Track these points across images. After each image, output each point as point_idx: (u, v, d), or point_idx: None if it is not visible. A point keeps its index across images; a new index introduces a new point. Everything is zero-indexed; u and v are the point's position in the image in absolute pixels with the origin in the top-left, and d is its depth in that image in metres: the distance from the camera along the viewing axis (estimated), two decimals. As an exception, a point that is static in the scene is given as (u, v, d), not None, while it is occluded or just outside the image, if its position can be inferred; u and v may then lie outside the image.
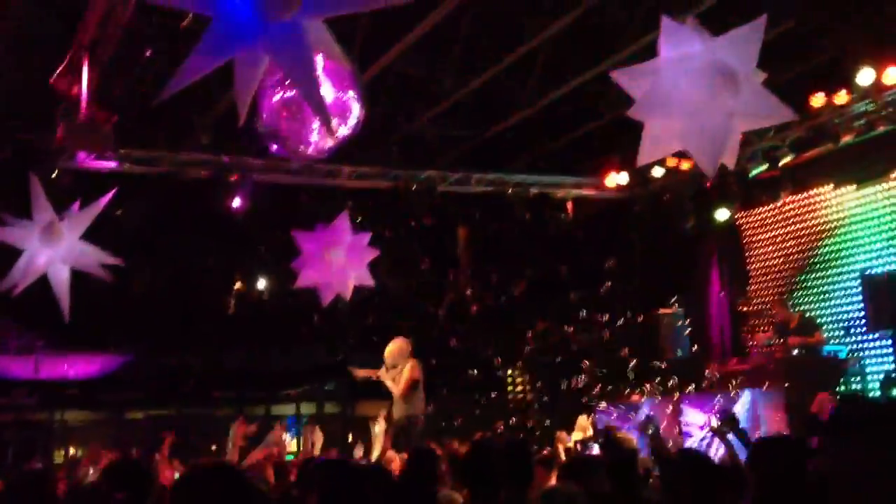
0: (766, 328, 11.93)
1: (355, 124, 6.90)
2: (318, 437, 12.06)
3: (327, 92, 6.25)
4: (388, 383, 9.65)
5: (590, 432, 10.24)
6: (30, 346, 14.29)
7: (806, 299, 11.94)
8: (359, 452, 10.91)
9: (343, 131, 6.94)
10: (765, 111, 6.27)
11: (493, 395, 14.49)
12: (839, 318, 11.59)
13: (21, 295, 9.14)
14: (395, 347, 9.72)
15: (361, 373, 10.37)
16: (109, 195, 9.09)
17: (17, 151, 10.24)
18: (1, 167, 10.36)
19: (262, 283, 13.65)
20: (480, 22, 9.60)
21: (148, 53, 7.86)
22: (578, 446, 9.38)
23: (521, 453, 4.70)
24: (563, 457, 7.81)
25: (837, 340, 11.26)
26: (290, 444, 11.86)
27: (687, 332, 12.40)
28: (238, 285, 14.01)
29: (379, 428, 9.38)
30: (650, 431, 6.97)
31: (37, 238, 8.83)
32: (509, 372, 14.87)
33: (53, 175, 9.83)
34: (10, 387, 14.55)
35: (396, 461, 7.53)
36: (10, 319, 14.10)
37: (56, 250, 8.98)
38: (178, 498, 2.76)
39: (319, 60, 5.78)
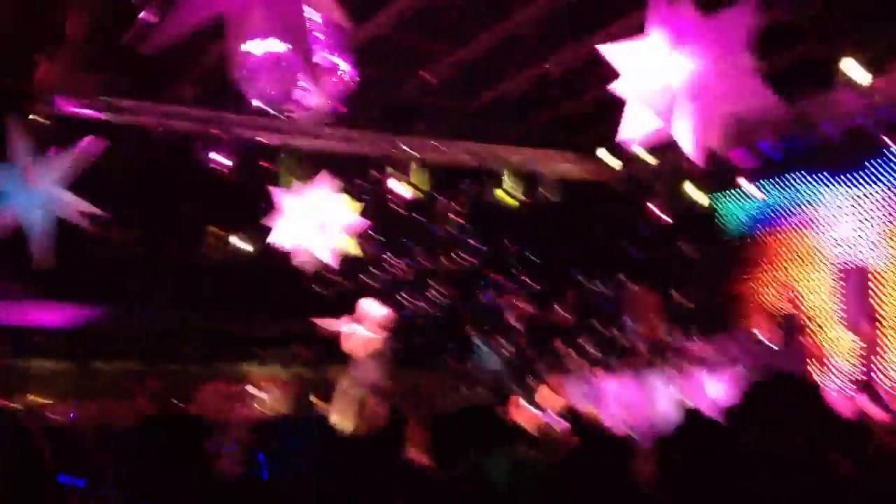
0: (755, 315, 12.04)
1: (343, 85, 6.88)
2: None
3: (317, 52, 6.24)
4: (354, 351, 9.52)
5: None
6: (1, 291, 14.17)
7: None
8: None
9: (331, 92, 6.92)
10: (750, 96, 6.31)
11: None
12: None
13: (-5, 240, 9.08)
14: (366, 312, 9.65)
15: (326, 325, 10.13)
16: (87, 141, 9.02)
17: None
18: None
19: (237, 241, 13.58)
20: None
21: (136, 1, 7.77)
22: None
23: (485, 419, 4.73)
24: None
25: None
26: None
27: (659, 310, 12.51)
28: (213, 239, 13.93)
29: (344, 390, 9.34)
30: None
31: (14, 181, 8.77)
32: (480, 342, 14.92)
33: (30, 118, 9.73)
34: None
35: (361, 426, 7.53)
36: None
37: (33, 195, 8.92)
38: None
39: (312, 17, 5.75)
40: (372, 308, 9.58)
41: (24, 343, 14.92)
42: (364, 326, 9.52)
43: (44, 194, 9.00)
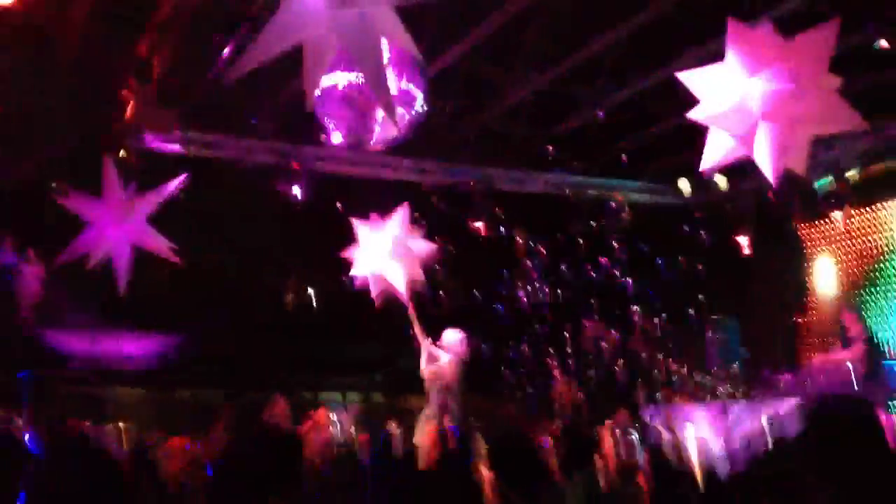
0: (828, 342, 11.70)
1: (418, 116, 6.93)
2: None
3: (393, 82, 6.29)
4: (429, 382, 9.47)
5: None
6: (87, 323, 14.57)
7: (868, 316, 11.70)
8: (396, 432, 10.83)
9: (406, 123, 6.97)
10: (834, 118, 6.15)
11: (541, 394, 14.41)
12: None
13: (79, 270, 9.34)
14: (445, 339, 9.61)
15: (417, 326, 10.04)
16: (181, 179, 9.27)
17: (89, 131, 10.46)
18: (72, 146, 10.60)
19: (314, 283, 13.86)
20: (548, 21, 9.57)
21: (217, 38, 7.97)
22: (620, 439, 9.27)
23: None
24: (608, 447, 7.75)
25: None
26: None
27: (739, 342, 12.26)
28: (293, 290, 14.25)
29: (425, 415, 9.31)
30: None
31: (107, 215, 9.03)
32: (559, 376, 14.79)
33: (121, 154, 10.03)
34: (66, 361, 14.84)
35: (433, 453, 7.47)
36: (68, 294, 14.39)
37: (124, 229, 9.17)
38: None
39: (386, 50, 5.81)
40: (454, 337, 9.56)
41: (109, 372, 15.29)
42: (447, 354, 9.51)
43: (133, 229, 9.25)
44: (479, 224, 12.45)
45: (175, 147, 10.86)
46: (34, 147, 10.48)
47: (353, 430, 11.88)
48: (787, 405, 9.71)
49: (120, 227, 9.18)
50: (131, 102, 8.71)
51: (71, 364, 14.66)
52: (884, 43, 7.53)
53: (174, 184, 9.22)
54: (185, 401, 15.89)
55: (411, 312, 9.99)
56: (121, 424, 14.47)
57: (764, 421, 9.54)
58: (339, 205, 11.58)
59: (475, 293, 14.25)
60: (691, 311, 13.04)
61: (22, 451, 5.56)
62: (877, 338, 10.80)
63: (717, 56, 6.30)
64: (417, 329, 9.91)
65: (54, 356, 14.42)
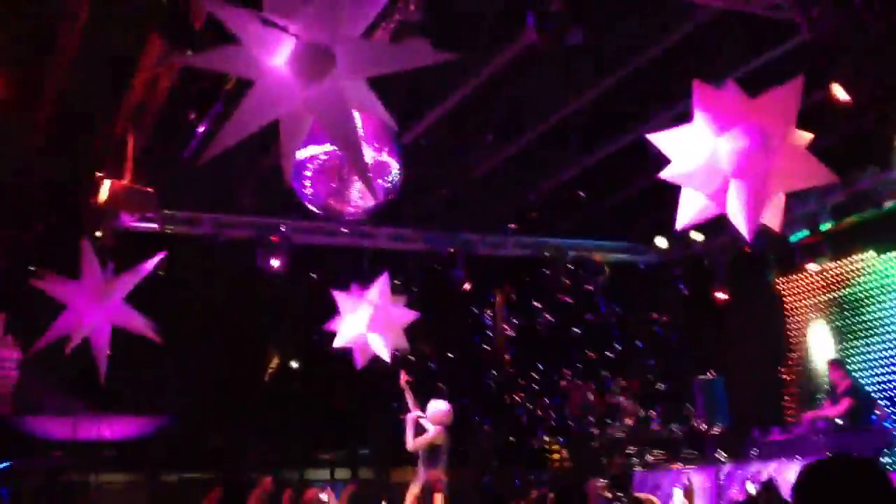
0: (815, 397, 11.70)
1: (394, 185, 6.98)
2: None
3: (367, 153, 6.34)
4: (419, 449, 9.37)
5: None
6: (67, 408, 14.38)
7: (850, 368, 11.71)
8: None
9: (383, 192, 7.02)
10: (804, 173, 6.25)
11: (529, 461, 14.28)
12: (884, 388, 11.37)
13: (58, 355, 9.23)
14: (431, 409, 9.55)
15: (410, 396, 9.92)
16: (158, 258, 9.23)
17: (64, 214, 10.45)
18: (48, 229, 10.58)
19: (295, 355, 13.81)
20: (518, 87, 9.72)
21: (192, 116, 8.03)
22: None
23: None
24: None
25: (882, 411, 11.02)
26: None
27: (726, 399, 12.20)
28: (274, 362, 14.19)
29: (413, 489, 9.24)
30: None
31: (85, 297, 8.96)
32: (546, 439, 14.68)
33: (98, 235, 10.01)
34: (48, 447, 14.60)
35: None
36: (48, 380, 14.23)
37: (102, 310, 9.09)
38: None
39: (360, 121, 5.87)
40: (439, 407, 9.50)
41: (93, 457, 15.04)
42: (432, 423, 9.42)
43: (112, 310, 9.17)
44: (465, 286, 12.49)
45: (153, 226, 10.87)
46: (10, 231, 10.45)
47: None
48: (779, 466, 9.65)
49: (98, 309, 9.10)
50: (107, 184, 8.71)
51: (52, 451, 14.42)
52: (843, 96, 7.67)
53: (151, 263, 9.19)
54: (172, 484, 15.63)
55: (403, 382, 9.92)
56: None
57: (751, 486, 9.48)
58: (315, 276, 11.59)
59: (453, 356, 14.20)
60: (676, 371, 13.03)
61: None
62: (863, 391, 10.79)
63: (686, 117, 6.42)
64: (410, 399, 9.84)
65: (34, 444, 14.19)
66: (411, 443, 9.40)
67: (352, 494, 9.86)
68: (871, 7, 5.85)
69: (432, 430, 9.32)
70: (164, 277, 10.57)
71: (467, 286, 12.40)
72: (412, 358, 11.77)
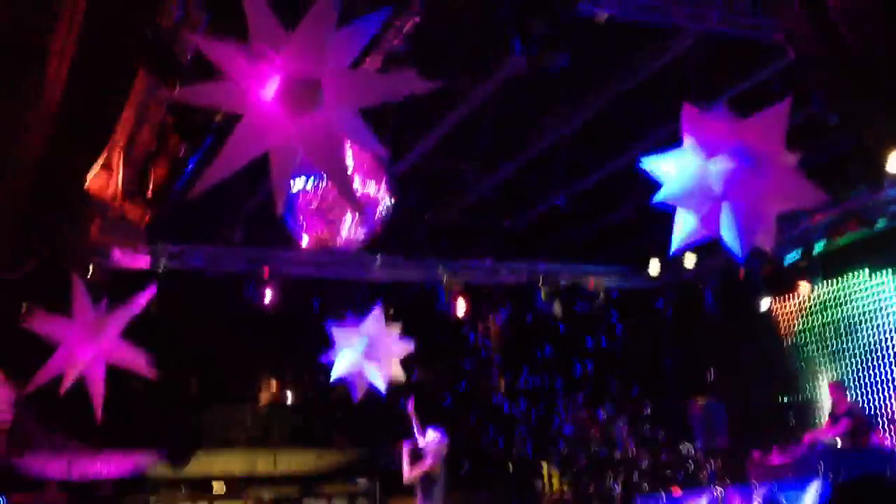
0: (815, 419, 11.66)
1: (385, 215, 6.96)
2: None
3: (357, 183, 6.34)
4: (415, 481, 9.31)
5: None
6: (62, 446, 14.26)
7: (848, 388, 11.68)
8: None
9: (374, 222, 7.00)
10: (795, 194, 6.24)
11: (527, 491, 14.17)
12: (882, 409, 11.34)
13: (51, 394, 9.14)
14: (427, 439, 9.49)
15: (417, 425, 9.84)
16: (150, 292, 9.16)
17: (55, 250, 10.39)
18: (39, 265, 10.51)
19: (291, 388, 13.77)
20: (505, 113, 9.75)
21: (181, 150, 8.02)
22: None
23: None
24: None
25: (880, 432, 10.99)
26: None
27: (724, 422, 12.14)
28: (271, 389, 14.13)
29: None
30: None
31: (78, 335, 8.88)
32: (544, 466, 14.58)
33: (89, 272, 9.95)
34: (43, 486, 14.47)
35: None
36: (42, 419, 14.12)
37: (97, 347, 9.01)
38: None
39: (350, 152, 5.87)
40: (436, 436, 9.43)
41: (88, 495, 14.90)
42: (430, 454, 9.35)
43: (106, 346, 9.09)
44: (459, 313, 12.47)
45: (144, 261, 10.82)
46: None
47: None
48: (780, 488, 9.59)
49: (92, 346, 9.02)
50: (96, 220, 8.67)
51: (48, 489, 14.28)
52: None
53: (144, 297, 9.12)
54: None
55: (411, 410, 9.83)
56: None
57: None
58: (309, 308, 11.56)
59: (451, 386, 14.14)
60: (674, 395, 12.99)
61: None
62: (862, 413, 10.75)
63: (676, 140, 6.42)
64: (416, 427, 9.76)
65: (29, 483, 14.05)
66: (407, 474, 9.32)
67: None
68: (847, 19, 5.86)
69: (428, 460, 9.25)
70: (157, 313, 10.52)
71: (461, 313, 12.38)
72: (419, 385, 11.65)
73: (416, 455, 9.36)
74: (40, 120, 6.84)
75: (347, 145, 5.73)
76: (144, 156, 8.25)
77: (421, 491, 9.19)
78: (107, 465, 14.89)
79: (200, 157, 7.80)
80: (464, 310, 12.48)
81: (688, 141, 6.17)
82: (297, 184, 6.74)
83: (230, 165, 5.26)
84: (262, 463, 15.38)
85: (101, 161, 8.10)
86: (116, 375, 9.28)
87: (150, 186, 8.48)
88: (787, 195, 6.33)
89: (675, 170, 6.27)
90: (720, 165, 6.04)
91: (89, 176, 8.46)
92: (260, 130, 5.22)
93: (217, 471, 15.17)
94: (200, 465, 15.15)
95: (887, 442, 10.57)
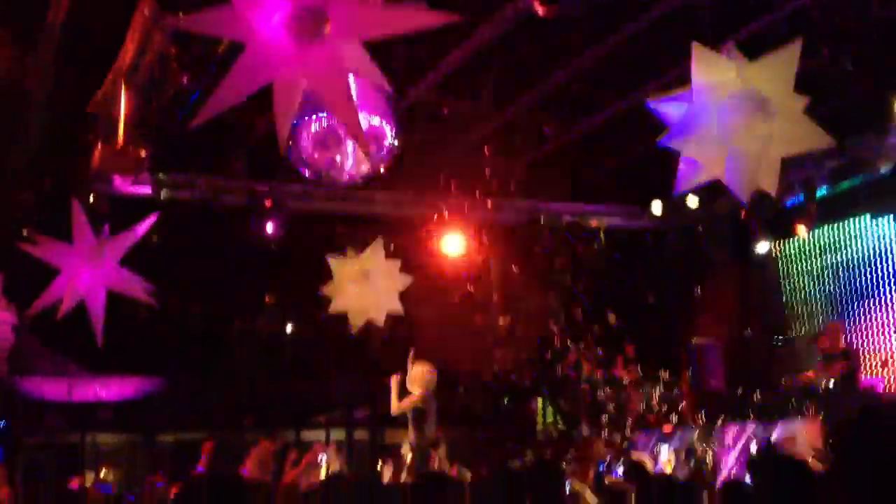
0: (810, 360, 11.74)
1: (389, 150, 6.93)
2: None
3: (362, 118, 6.28)
4: (406, 411, 9.36)
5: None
6: (63, 369, 14.41)
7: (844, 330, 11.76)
8: (387, 474, 10.79)
9: (378, 157, 6.97)
10: (801, 137, 6.21)
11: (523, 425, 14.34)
12: (878, 351, 11.44)
13: (53, 318, 9.21)
14: (416, 372, 9.47)
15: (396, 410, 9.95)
16: (151, 220, 9.17)
17: (57, 177, 10.39)
18: (41, 192, 10.52)
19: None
20: (514, 52, 9.63)
21: (185, 79, 7.95)
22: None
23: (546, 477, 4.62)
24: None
25: (876, 373, 11.11)
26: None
27: (721, 363, 12.24)
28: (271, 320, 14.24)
29: (406, 452, 9.24)
30: (691, 464, 6.85)
31: (78, 260, 8.92)
32: (539, 402, 14.73)
33: (90, 199, 9.95)
34: (43, 409, 14.66)
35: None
36: (43, 342, 14.25)
37: (96, 273, 9.06)
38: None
39: (355, 86, 5.80)
40: (420, 369, 9.43)
41: (89, 418, 15.12)
42: (415, 386, 9.38)
43: (105, 272, 9.13)
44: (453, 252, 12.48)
45: (145, 189, 10.80)
46: (2, 195, 10.39)
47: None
48: (774, 427, 9.70)
49: (92, 272, 9.06)
50: (99, 147, 8.64)
51: (48, 413, 14.48)
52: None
53: (144, 225, 9.13)
54: (168, 445, 15.72)
55: (410, 359, 9.80)
56: (103, 472, 14.30)
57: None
58: (310, 241, 11.57)
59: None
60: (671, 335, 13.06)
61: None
62: (857, 355, 10.83)
63: (684, 81, 6.36)
64: (410, 363, 9.77)
65: (30, 405, 14.23)
66: (395, 406, 9.37)
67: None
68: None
69: (416, 394, 9.23)
70: (159, 241, 10.55)
71: (461, 250, 12.40)
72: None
73: (405, 387, 9.37)
74: (44, 49, 6.78)
75: (352, 79, 5.67)
76: (147, 85, 8.18)
77: (412, 422, 9.25)
78: (107, 389, 15.08)
79: (203, 87, 7.73)
80: (464, 247, 12.50)
81: (696, 82, 6.11)
82: (303, 116, 6.69)
83: (232, 96, 5.23)
84: (261, 393, 15.57)
85: (103, 90, 8.05)
86: (121, 303, 9.35)
87: (153, 116, 8.43)
88: (793, 139, 6.31)
89: (682, 111, 6.23)
90: (727, 107, 6.00)
91: (91, 103, 8.43)
92: (263, 61, 5.18)
93: (216, 400, 15.35)
94: (196, 395, 15.35)
95: (880, 384, 10.67)
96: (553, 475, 4.85)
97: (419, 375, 9.28)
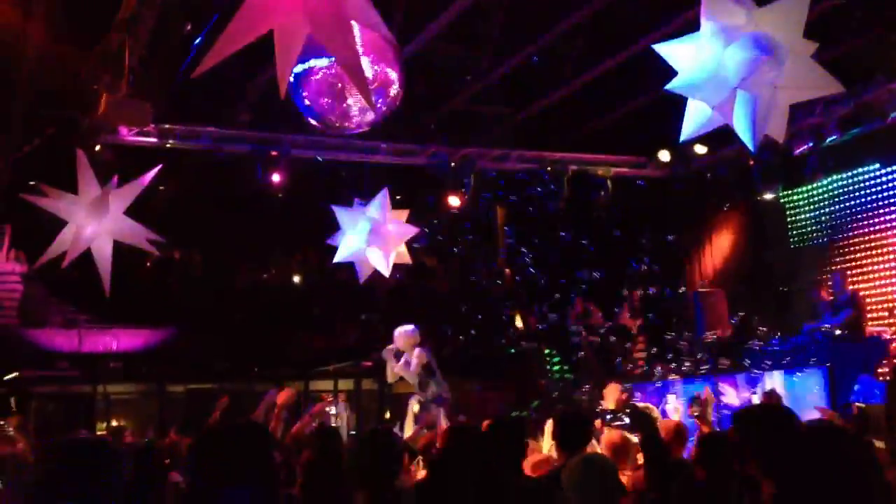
0: (816, 308, 11.76)
1: (394, 99, 6.86)
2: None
3: (366, 66, 6.21)
4: (405, 375, 9.38)
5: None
6: (73, 320, 14.51)
7: (851, 280, 11.75)
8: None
9: (382, 106, 6.90)
10: (811, 83, 6.13)
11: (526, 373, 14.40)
12: (884, 299, 11.44)
13: (64, 269, 9.24)
14: (399, 336, 9.45)
15: (392, 377, 9.98)
16: (155, 170, 9.14)
17: (62, 127, 10.36)
18: (46, 143, 10.50)
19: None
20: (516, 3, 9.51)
21: (188, 28, 7.88)
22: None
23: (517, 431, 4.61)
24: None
25: (882, 322, 11.12)
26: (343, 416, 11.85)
27: (726, 310, 12.25)
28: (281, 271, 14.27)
29: (415, 407, 9.28)
30: (696, 413, 6.88)
31: (83, 211, 8.91)
32: (546, 351, 14.78)
33: (96, 149, 9.92)
34: (54, 359, 14.77)
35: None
36: (54, 293, 14.31)
37: (102, 224, 9.06)
38: (202, 450, 2.79)
39: (358, 33, 5.73)
40: (403, 330, 9.42)
41: (100, 368, 15.24)
42: (403, 348, 9.37)
43: (111, 223, 9.13)
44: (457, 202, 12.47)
45: (150, 140, 10.77)
46: (7, 147, 10.37)
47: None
48: (779, 375, 9.74)
49: (98, 223, 9.06)
50: (103, 97, 8.58)
51: (59, 363, 14.60)
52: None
53: (149, 175, 9.10)
54: (179, 395, 15.84)
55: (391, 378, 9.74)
56: (114, 423, 14.45)
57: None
58: (316, 191, 11.55)
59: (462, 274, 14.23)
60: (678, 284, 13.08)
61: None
62: (862, 303, 10.82)
63: (693, 26, 6.27)
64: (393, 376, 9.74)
65: (40, 356, 14.35)
66: (390, 374, 9.41)
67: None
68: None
69: (411, 366, 9.18)
70: (166, 194, 10.54)
71: (460, 201, 12.38)
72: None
73: (400, 355, 9.36)
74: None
75: (356, 26, 5.60)
76: (150, 34, 8.11)
77: (417, 385, 9.30)
78: (117, 340, 15.19)
79: (206, 35, 7.66)
80: (470, 198, 12.47)
81: (705, 26, 6.02)
82: (306, 65, 6.62)
83: (234, 43, 5.17)
84: (269, 344, 15.65)
85: (107, 38, 7.99)
86: (126, 253, 9.37)
87: (156, 65, 8.37)
88: (803, 84, 6.22)
89: (690, 56, 6.15)
90: (737, 52, 5.91)
91: (96, 53, 8.37)
92: (265, 7, 5.12)
93: (223, 351, 15.44)
94: (206, 345, 15.44)
95: (885, 333, 10.68)
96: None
97: (404, 336, 9.26)
